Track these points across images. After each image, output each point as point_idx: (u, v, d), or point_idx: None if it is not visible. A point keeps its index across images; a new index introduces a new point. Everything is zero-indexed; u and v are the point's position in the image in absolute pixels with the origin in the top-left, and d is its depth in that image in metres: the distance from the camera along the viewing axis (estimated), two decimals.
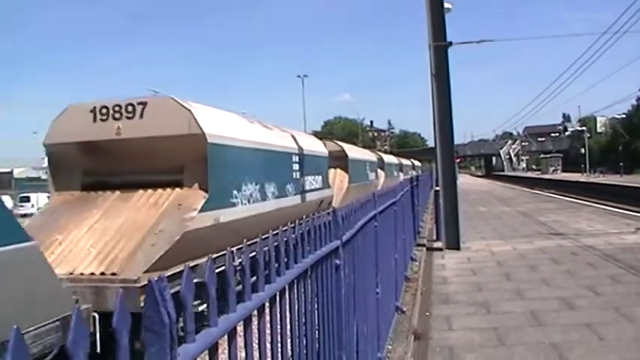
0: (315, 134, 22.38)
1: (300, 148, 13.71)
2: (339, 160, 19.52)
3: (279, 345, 1.89)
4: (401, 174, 38.01)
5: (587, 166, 61.45)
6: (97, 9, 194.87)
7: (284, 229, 2.01)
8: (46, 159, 9.09)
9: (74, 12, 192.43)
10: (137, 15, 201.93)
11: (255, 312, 1.65)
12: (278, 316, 1.90)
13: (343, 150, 20.30)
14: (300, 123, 62.74)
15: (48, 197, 10.50)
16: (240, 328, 1.50)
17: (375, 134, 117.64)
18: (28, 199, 37.18)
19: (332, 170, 18.75)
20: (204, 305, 1.34)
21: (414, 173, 42.08)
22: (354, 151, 22.83)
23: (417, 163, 57.04)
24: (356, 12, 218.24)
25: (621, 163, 53.56)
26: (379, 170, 29.60)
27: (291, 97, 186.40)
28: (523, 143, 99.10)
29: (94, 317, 5.75)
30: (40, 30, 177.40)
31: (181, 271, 1.17)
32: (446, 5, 11.35)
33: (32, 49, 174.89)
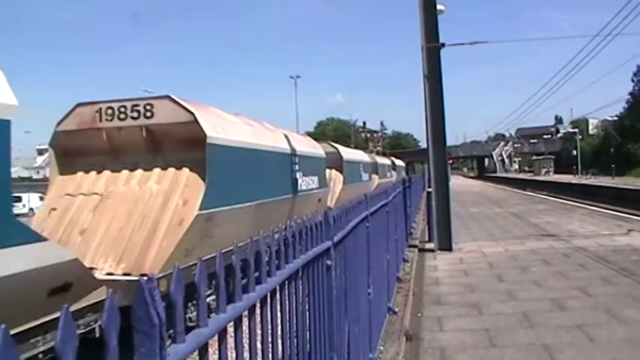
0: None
1: None
2: None
3: (270, 346, 1.89)
4: (375, 176, 28.60)
5: (579, 167, 61.79)
6: (91, 9, 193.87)
7: (275, 230, 2.01)
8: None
9: (72, 11, 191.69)
10: (133, 15, 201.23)
11: (246, 312, 1.65)
12: (269, 316, 1.90)
13: None
14: (292, 124, 62.62)
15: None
16: (230, 329, 1.50)
17: (368, 135, 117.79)
18: (19, 199, 36.83)
19: None
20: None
21: (394, 174, 39.22)
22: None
23: (398, 162, 49.04)
24: (349, 14, 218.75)
25: (613, 165, 53.88)
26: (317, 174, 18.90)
27: (283, 98, 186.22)
28: (515, 145, 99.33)
29: None
30: (36, 29, 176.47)
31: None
32: (439, 7, 11.41)
33: (28, 49, 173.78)
